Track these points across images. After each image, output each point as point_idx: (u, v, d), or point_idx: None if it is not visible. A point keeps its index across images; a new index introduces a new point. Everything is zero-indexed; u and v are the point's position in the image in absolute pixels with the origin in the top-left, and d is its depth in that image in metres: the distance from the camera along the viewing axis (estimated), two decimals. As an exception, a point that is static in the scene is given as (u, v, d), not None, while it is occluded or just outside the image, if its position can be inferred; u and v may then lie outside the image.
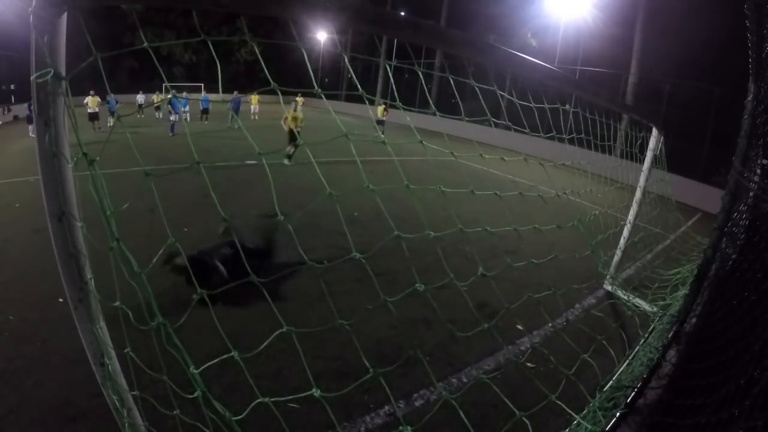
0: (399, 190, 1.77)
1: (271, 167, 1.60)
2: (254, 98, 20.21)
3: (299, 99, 17.73)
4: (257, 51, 1.68)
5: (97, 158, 1.28)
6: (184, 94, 20.78)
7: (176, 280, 3.65)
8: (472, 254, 5.41)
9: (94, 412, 2.47)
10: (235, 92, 19.26)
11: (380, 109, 17.17)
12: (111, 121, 15.32)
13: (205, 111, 18.17)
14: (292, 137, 9.81)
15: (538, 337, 3.80)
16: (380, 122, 16.13)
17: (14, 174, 7.88)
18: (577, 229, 3.41)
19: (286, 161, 9.80)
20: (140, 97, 18.78)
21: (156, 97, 19.30)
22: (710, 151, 13.27)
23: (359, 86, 1.67)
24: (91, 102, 14.40)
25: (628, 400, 2.29)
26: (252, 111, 20.28)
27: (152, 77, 25.63)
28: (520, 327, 3.85)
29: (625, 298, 4.70)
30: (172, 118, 14.49)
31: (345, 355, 3.24)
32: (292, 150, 9.84)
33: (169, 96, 16.15)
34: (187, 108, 18.40)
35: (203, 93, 22.21)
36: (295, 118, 10.07)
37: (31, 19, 1.10)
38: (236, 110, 17.31)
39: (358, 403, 2.78)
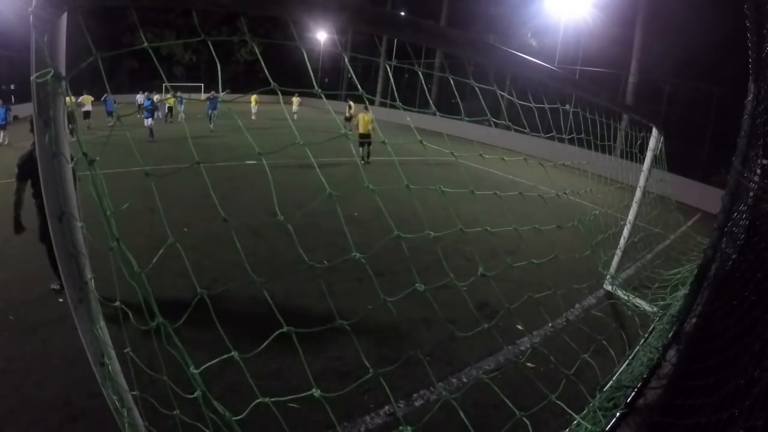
0: (399, 190, 1.77)
1: (271, 167, 1.60)
2: (253, 98, 20.14)
3: (350, 104, 17.42)
4: (257, 51, 1.68)
5: (97, 158, 1.28)
6: (178, 94, 20.11)
7: (176, 280, 3.65)
8: (472, 254, 5.41)
9: (94, 412, 2.47)
10: (212, 92, 18.49)
11: (353, 106, 17.43)
12: (111, 122, 15.32)
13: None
14: (364, 138, 10.65)
15: (538, 337, 3.80)
16: (348, 119, 16.52)
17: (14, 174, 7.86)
18: (577, 229, 3.41)
19: (361, 162, 10.73)
20: (140, 97, 18.77)
21: (156, 97, 18.99)
22: (710, 151, 13.26)
23: (359, 86, 1.67)
24: (86, 100, 14.37)
25: (628, 400, 2.29)
26: (252, 111, 20.26)
27: (152, 77, 25.63)
28: (520, 327, 3.85)
29: (625, 298, 4.70)
30: (147, 122, 13.08)
31: (345, 355, 3.24)
32: (361, 150, 10.89)
33: (155, 97, 13.33)
34: (182, 107, 18.30)
35: (213, 94, 20.52)
36: (363, 120, 10.78)
37: (31, 19, 1.10)
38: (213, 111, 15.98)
39: (358, 403, 2.78)
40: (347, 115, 16.66)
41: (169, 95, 20.76)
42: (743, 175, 2.59)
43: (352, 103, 17.21)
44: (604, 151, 4.10)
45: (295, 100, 22.52)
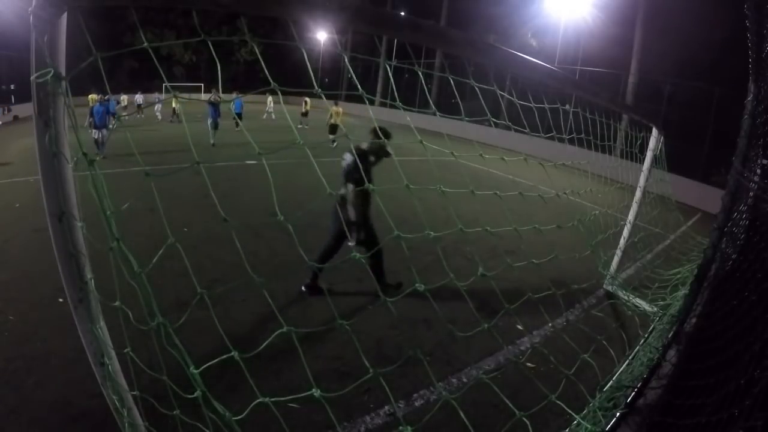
0: (399, 190, 1.77)
1: (271, 167, 1.60)
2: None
3: (306, 100, 18.34)
4: (257, 51, 1.68)
5: (97, 158, 1.28)
6: (154, 94, 19.15)
7: (176, 280, 3.64)
8: (472, 254, 5.41)
9: (94, 412, 2.47)
10: (213, 93, 15.32)
11: (308, 102, 18.48)
12: (112, 122, 15.25)
13: (239, 116, 14.87)
14: (333, 129, 12.93)
15: (538, 337, 3.80)
16: (305, 114, 17.85)
17: (14, 174, 7.88)
18: (577, 229, 3.40)
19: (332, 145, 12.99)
20: (139, 97, 18.82)
21: (120, 99, 17.95)
22: (710, 151, 13.26)
23: (359, 86, 1.67)
24: (92, 100, 14.25)
25: (628, 400, 2.29)
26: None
27: (152, 77, 25.64)
28: (520, 327, 3.85)
29: (625, 298, 4.69)
30: (95, 134, 9.83)
31: (345, 355, 3.24)
32: (332, 136, 13.06)
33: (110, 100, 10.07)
34: (159, 107, 18.08)
35: (235, 94, 17.94)
36: (337, 113, 12.92)
37: (31, 19, 1.10)
38: (215, 122, 12.47)
39: (358, 403, 2.78)
40: (303, 111, 17.78)
41: (173, 95, 20.38)
42: (743, 175, 2.59)
43: (308, 99, 18.04)
44: (604, 151, 4.10)
45: (269, 99, 21.49)
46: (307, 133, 12.80)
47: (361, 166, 3.40)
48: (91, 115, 10.00)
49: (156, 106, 18.21)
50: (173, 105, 18.01)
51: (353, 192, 3.61)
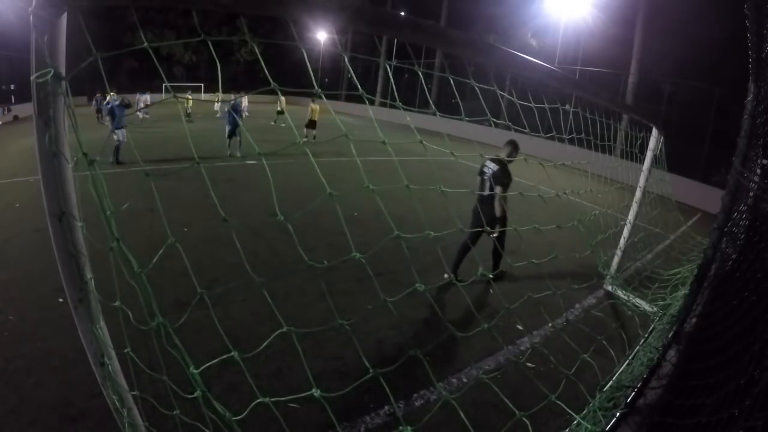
0: (399, 190, 1.77)
1: (271, 167, 1.60)
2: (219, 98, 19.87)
3: (281, 99, 18.82)
4: (257, 51, 1.68)
5: (98, 158, 1.28)
6: (142, 92, 18.51)
7: (176, 280, 3.65)
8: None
9: (94, 412, 2.47)
10: (231, 95, 15.05)
11: (284, 101, 18.61)
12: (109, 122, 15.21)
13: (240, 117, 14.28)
14: (312, 124, 13.96)
15: (538, 337, 3.80)
16: (281, 112, 18.19)
17: (14, 174, 7.88)
18: (577, 229, 3.40)
19: (304, 139, 13.18)
20: (146, 97, 18.79)
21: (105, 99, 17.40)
22: (710, 151, 13.26)
23: (359, 86, 1.67)
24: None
25: (628, 400, 2.29)
26: (216, 109, 19.99)
27: (152, 77, 25.64)
28: (520, 327, 3.85)
29: (625, 298, 4.69)
30: (116, 137, 9.17)
31: (345, 355, 3.24)
32: (307, 131, 13.98)
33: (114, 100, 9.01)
34: (147, 102, 17.94)
35: (237, 95, 16.30)
36: (314, 110, 14.00)
37: (31, 19, 1.10)
38: (234, 129, 10.55)
39: (358, 403, 2.78)
40: (279, 108, 18.29)
41: (188, 95, 19.64)
42: (743, 175, 2.59)
43: (283, 98, 18.48)
44: (604, 151, 4.10)
45: (245, 98, 20.07)
46: (350, 139, 12.63)
47: (501, 173, 4.23)
48: (112, 116, 9.31)
49: (139, 107, 17.88)
50: (186, 105, 17.94)
51: (502, 193, 4.31)
